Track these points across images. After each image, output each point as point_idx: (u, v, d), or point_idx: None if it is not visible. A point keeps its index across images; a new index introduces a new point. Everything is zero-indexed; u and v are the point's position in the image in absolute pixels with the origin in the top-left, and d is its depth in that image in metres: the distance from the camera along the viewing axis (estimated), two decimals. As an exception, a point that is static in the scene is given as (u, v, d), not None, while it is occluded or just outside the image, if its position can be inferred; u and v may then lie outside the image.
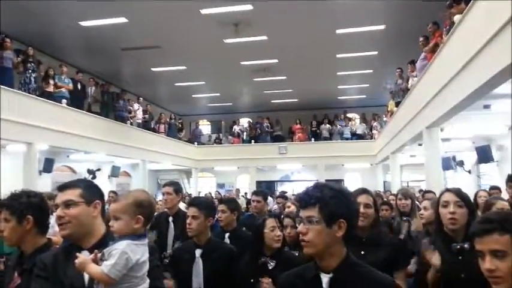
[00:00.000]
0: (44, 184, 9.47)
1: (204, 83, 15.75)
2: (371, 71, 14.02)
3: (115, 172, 14.13)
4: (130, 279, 1.59)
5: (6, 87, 8.38)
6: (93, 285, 1.59)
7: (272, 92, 16.77)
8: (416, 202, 4.27)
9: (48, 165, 11.32)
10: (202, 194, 13.88)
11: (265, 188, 15.46)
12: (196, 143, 18.65)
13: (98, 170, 13.74)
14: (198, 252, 2.64)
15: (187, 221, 2.71)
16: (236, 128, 19.15)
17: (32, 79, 9.54)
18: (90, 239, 1.73)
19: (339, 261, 1.45)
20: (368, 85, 15.97)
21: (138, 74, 14.55)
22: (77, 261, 1.56)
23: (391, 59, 12.07)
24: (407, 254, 2.82)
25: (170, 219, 3.66)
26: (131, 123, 13.65)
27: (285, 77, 14.77)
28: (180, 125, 18.24)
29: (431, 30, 8.10)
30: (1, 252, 4.35)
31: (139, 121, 14.23)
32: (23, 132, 8.50)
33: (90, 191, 1.79)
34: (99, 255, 1.59)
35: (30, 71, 9.52)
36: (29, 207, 1.98)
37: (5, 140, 8.82)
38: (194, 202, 2.84)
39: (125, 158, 13.51)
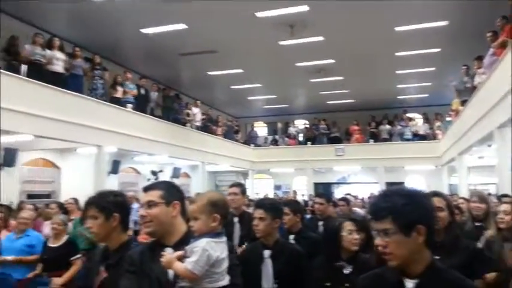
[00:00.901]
0: (111, 184, 10.01)
1: (259, 85, 15.89)
2: (433, 68, 13.45)
3: (176, 173, 14.63)
4: (211, 275, 1.66)
5: (77, 93, 8.96)
6: (178, 280, 1.66)
7: (328, 92, 16.58)
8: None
9: (115, 167, 11.98)
10: (260, 196, 13.99)
11: (321, 190, 15.30)
12: (252, 144, 18.84)
13: (161, 171, 14.32)
14: (266, 253, 2.66)
15: (254, 222, 2.75)
16: (292, 130, 19.13)
17: (99, 85, 10.10)
18: (172, 237, 1.83)
19: (424, 266, 1.39)
20: (430, 83, 15.32)
21: (196, 78, 14.97)
22: (163, 259, 1.65)
23: (455, 56, 11.51)
24: (485, 260, 2.68)
25: (236, 219, 3.73)
26: (190, 126, 14.06)
27: (341, 78, 14.54)
28: (237, 127, 18.51)
29: (500, 25, 7.64)
30: (81, 248, 4.68)
31: (198, 124, 14.62)
32: (94, 135, 9.03)
33: (170, 192, 1.89)
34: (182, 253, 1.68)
35: (97, 77, 10.11)
36: (116, 205, 2.12)
37: (77, 143, 9.44)
38: (261, 204, 2.87)
39: (185, 160, 13.94)
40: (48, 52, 8.67)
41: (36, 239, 4.63)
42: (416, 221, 1.35)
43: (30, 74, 8.26)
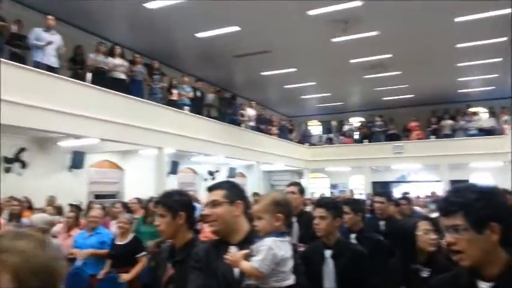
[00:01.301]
0: (171, 184, 10.35)
1: (313, 83, 15.74)
2: (500, 59, 12.62)
3: (232, 173, 14.88)
4: (277, 274, 1.67)
5: (138, 98, 9.38)
6: (244, 278, 1.69)
7: (385, 88, 16.08)
8: None
9: (174, 168, 12.40)
10: (316, 195, 13.88)
11: (379, 189, 14.87)
12: (307, 143, 18.71)
13: (217, 171, 14.62)
14: (327, 253, 2.63)
15: (315, 221, 2.73)
16: (347, 128, 18.77)
17: (158, 90, 10.52)
18: (236, 236, 1.87)
19: (501, 268, 1.29)
20: (496, 75, 14.39)
21: (249, 78, 15.13)
22: (229, 257, 1.69)
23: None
24: None
25: (294, 219, 3.72)
26: (245, 127, 14.23)
27: (399, 72, 14.05)
28: (291, 127, 18.47)
29: None
30: (145, 246, 4.88)
31: (253, 124, 14.76)
32: (154, 138, 9.41)
33: (233, 192, 1.93)
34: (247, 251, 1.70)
35: (156, 82, 10.52)
36: (182, 204, 2.20)
37: (139, 145, 9.88)
38: (321, 202, 2.84)
39: (241, 160, 14.13)
40: (110, 59, 9.15)
41: (107, 236, 4.91)
42: (489, 217, 1.27)
43: (95, 81, 8.75)
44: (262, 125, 15.57)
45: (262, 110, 16.83)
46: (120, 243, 4.58)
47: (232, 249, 1.79)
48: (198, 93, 12.03)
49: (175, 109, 10.57)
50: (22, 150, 8.81)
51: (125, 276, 4.30)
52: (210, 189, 1.97)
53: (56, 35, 7.79)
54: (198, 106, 11.87)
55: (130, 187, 11.15)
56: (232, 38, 11.01)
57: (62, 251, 3.90)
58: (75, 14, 9.64)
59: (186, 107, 10.97)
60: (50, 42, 7.56)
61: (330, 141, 19.24)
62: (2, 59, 6.89)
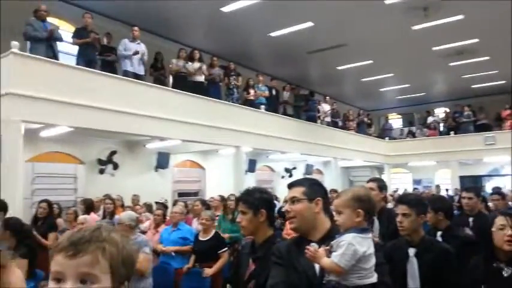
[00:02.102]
0: (249, 182, 10.57)
1: (392, 75, 15.11)
2: None
3: (308, 170, 14.82)
4: (359, 271, 1.64)
5: (216, 100, 9.72)
6: (325, 275, 1.69)
7: (472, 75, 14.94)
8: None
9: (251, 166, 12.65)
10: (399, 192, 13.33)
11: (469, 184, 13.84)
12: (387, 138, 18.00)
13: (294, 168, 14.65)
14: (411, 251, 2.53)
15: (398, 219, 2.63)
16: (431, 120, 17.72)
17: (235, 90, 10.81)
18: (317, 232, 1.86)
19: None
20: None
21: (325, 74, 14.94)
22: (309, 252, 1.70)
23: None
24: None
25: (374, 216, 3.62)
26: (321, 123, 14.07)
27: (488, 57, 12.97)
28: (369, 121, 17.91)
29: None
30: (228, 242, 5.06)
31: (329, 120, 14.56)
32: (232, 137, 9.69)
33: (313, 189, 1.93)
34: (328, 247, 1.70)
35: (232, 83, 10.81)
36: (263, 202, 2.26)
37: (218, 145, 10.24)
38: (404, 199, 2.74)
39: (317, 157, 14.01)
40: (190, 64, 9.59)
41: (188, 232, 5.18)
42: None
43: (176, 85, 9.24)
44: (339, 120, 15.30)
45: (339, 105, 16.51)
46: (202, 239, 4.80)
47: (312, 245, 1.78)
48: (274, 92, 12.15)
49: (251, 108, 10.79)
50: (114, 152, 9.57)
51: (208, 271, 4.50)
52: (290, 186, 1.99)
53: (141, 45, 8.36)
54: (273, 104, 11.99)
55: (211, 185, 11.60)
56: (305, 34, 10.96)
57: (150, 245, 4.17)
58: (156, 23, 10.25)
59: (262, 106, 11.14)
60: (136, 51, 8.13)
61: (412, 134, 18.32)
62: (95, 70, 7.58)
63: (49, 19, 7.50)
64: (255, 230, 2.27)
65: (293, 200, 1.90)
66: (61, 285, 0.87)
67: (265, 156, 13.32)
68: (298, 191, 1.91)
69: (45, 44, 6.96)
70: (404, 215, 2.58)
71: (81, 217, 4.80)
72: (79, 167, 9.23)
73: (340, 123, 15.42)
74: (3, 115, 5.84)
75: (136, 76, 8.14)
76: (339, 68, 14.05)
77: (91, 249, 0.89)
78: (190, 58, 9.74)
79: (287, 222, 6.19)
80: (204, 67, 9.84)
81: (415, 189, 15.93)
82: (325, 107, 14.61)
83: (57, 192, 8.35)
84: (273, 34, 11.05)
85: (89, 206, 6.44)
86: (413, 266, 2.49)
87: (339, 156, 14.30)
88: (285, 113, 12.51)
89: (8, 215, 4.13)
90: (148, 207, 7.74)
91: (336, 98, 17.02)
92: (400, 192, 12.80)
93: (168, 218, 6.07)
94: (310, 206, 1.88)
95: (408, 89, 17.08)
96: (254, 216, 2.25)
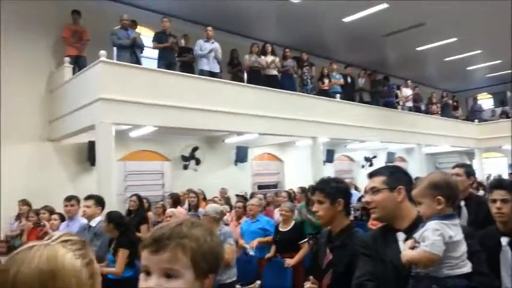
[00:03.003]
0: (328, 172, 10.47)
1: (480, 51, 13.94)
2: None
3: (390, 158, 14.28)
4: (448, 260, 1.57)
5: (291, 92, 9.74)
6: (413, 266, 1.63)
7: None
8: None
9: (329, 156, 12.51)
10: (492, 178, 12.33)
11: None
12: (476, 120, 16.68)
13: (374, 157, 14.22)
14: (504, 240, 2.36)
15: (496, 205, 2.46)
16: (528, 97, 16.09)
17: (309, 81, 10.73)
18: (403, 222, 1.80)
19: None
20: None
21: (403, 56, 14.20)
22: (402, 258, 1.64)
23: None
24: None
25: (462, 203, 3.42)
26: (402, 108, 13.46)
27: None
28: (455, 103, 16.72)
29: None
30: (307, 232, 5.11)
31: (410, 104, 13.87)
32: (309, 128, 9.65)
33: (394, 177, 1.87)
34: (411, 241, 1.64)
35: (306, 73, 10.74)
36: (340, 191, 2.26)
37: (295, 137, 10.26)
38: (503, 184, 2.54)
39: (399, 144, 13.44)
40: (263, 58, 9.71)
41: (267, 223, 5.30)
42: None
43: (250, 80, 9.42)
44: (421, 104, 14.51)
45: (421, 88, 15.62)
46: (283, 230, 4.88)
47: (400, 236, 1.74)
48: (349, 79, 11.86)
49: (326, 98, 10.65)
50: (196, 149, 10.04)
51: (290, 261, 4.57)
52: (370, 175, 1.95)
53: (215, 43, 8.65)
54: (349, 92, 11.71)
55: (290, 177, 11.68)
56: (380, 16, 10.52)
57: (233, 237, 4.34)
58: (230, 21, 10.49)
59: (337, 95, 10.93)
60: (211, 50, 8.42)
61: (505, 114, 16.78)
62: (175, 71, 8.00)
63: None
64: (331, 219, 2.27)
65: (373, 190, 1.86)
66: (149, 278, 0.95)
67: (344, 145, 13.08)
68: (378, 181, 1.87)
69: (129, 51, 7.49)
70: (503, 201, 2.40)
71: (168, 210, 5.13)
72: (165, 164, 9.83)
73: (423, 108, 14.62)
74: (96, 119, 6.42)
75: (212, 74, 8.44)
76: (419, 49, 13.28)
77: (171, 247, 0.95)
78: (263, 52, 9.85)
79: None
80: (277, 60, 9.90)
81: (510, 174, 14.61)
82: (406, 92, 13.94)
83: (147, 188, 8.98)
84: (345, 20, 10.76)
85: (176, 200, 6.86)
86: (507, 256, 2.32)
87: (423, 142, 13.56)
88: (361, 101, 12.15)
89: (105, 211, 4.53)
90: (227, 200, 8.03)
91: (417, 81, 16.10)
92: (493, 177, 11.83)
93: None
94: (391, 195, 1.82)
95: (499, 65, 15.62)
96: (331, 205, 2.25)
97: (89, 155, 7.94)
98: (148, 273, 0.96)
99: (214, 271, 1.01)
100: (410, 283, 1.62)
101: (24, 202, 6.49)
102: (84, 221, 4.57)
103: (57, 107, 7.85)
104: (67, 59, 7.65)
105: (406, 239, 1.70)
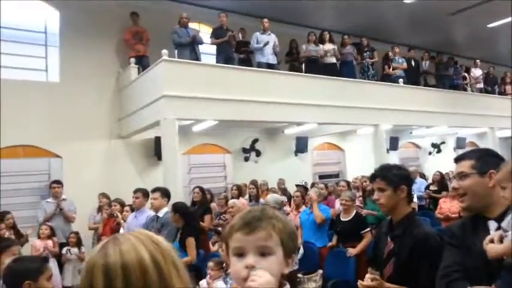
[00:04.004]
0: (392, 160, 10.13)
1: (559, 24, 12.68)
2: None
3: (460, 144, 13.49)
4: None
5: (350, 79, 9.52)
6: (504, 258, 1.51)
7: None
8: None
9: (393, 144, 12.09)
10: None
11: None
12: (559, 99, 15.22)
13: (442, 143, 13.54)
14: None
15: None
16: None
17: (370, 66, 10.42)
18: (494, 209, 1.67)
19: None
20: None
21: (472, 35, 13.28)
22: (488, 254, 1.52)
23: None
24: None
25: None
26: (471, 90, 12.65)
27: None
28: (533, 82, 15.37)
29: None
30: (370, 222, 5.03)
31: (480, 86, 12.99)
32: (370, 116, 9.39)
33: (484, 160, 1.73)
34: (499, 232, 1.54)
35: (367, 59, 10.44)
36: (402, 178, 2.21)
37: (356, 125, 10.05)
38: None
39: (469, 128, 12.67)
40: (320, 47, 9.57)
41: (324, 211, 5.28)
42: None
43: (308, 70, 9.34)
44: (492, 85, 13.53)
45: (493, 68, 14.54)
46: (344, 219, 4.85)
47: (491, 224, 1.63)
48: (412, 63, 11.35)
49: (388, 83, 10.28)
50: (256, 141, 10.17)
51: (352, 251, 4.53)
52: (457, 160, 1.83)
53: (271, 35, 8.67)
54: (413, 76, 11.21)
55: (352, 166, 11.46)
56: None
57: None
58: (285, 11, 10.42)
59: (400, 80, 10.51)
60: (267, 42, 8.46)
61: None
62: (233, 66, 8.15)
63: (190, 25, 8.32)
64: (394, 207, 2.21)
65: (460, 176, 1.74)
66: (243, 258, 1.03)
67: (409, 132, 12.57)
68: (465, 165, 1.74)
69: (189, 48, 7.74)
70: None
71: (230, 201, 5.28)
72: (226, 156, 10.09)
73: (496, 89, 13.63)
74: (160, 116, 6.74)
75: (270, 66, 8.48)
76: (490, 25, 12.35)
77: (264, 225, 1.04)
78: (321, 40, 9.71)
79: (440, 201, 5.85)
80: (335, 48, 9.71)
81: None
82: (476, 72, 13.06)
83: (210, 180, 9.28)
84: (407, 1, 10.28)
85: (240, 191, 7.08)
86: None
87: (497, 126, 12.66)
88: (426, 84, 11.59)
89: (171, 202, 4.78)
90: (283, 191, 8.09)
91: (487, 60, 15.01)
92: None
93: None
94: (481, 180, 1.69)
95: None
96: (394, 192, 2.19)
97: (155, 150, 8.34)
98: (240, 255, 1.04)
99: (294, 252, 1.11)
100: (501, 274, 1.48)
101: (104, 195, 6.95)
102: (151, 212, 4.85)
103: (125, 105, 8.33)
104: (132, 59, 8.08)
105: (498, 228, 1.58)
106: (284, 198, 6.97)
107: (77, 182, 7.76)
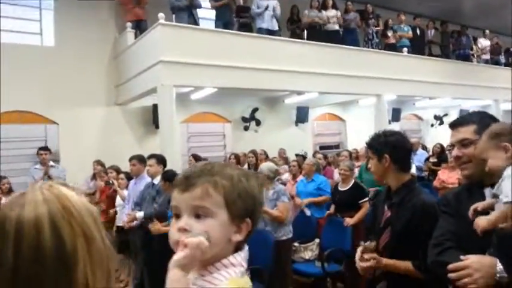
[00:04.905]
0: (394, 132, 10.02)
1: None
2: None
3: (463, 116, 13.32)
4: None
5: (353, 47, 9.26)
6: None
7: None
8: None
9: (396, 115, 11.93)
10: None
11: None
12: None
13: (445, 115, 13.37)
14: None
15: None
16: None
17: (374, 35, 10.14)
18: (493, 176, 1.53)
19: None
20: None
21: (480, 4, 12.87)
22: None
23: None
24: None
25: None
26: (477, 61, 12.36)
27: None
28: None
29: None
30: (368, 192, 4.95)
31: (487, 57, 12.70)
32: (373, 85, 9.18)
33: (485, 125, 1.59)
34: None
35: (371, 27, 10.14)
36: (386, 145, 2.11)
37: (358, 95, 9.86)
38: None
39: (473, 100, 12.46)
40: (323, 13, 9.27)
41: (323, 182, 5.20)
42: None
43: (310, 37, 9.07)
44: (499, 56, 13.22)
45: (501, 39, 14.18)
46: (342, 189, 4.77)
47: (488, 192, 1.54)
48: (418, 31, 11.04)
49: (392, 52, 10.02)
50: (255, 110, 10.02)
51: (349, 221, 4.47)
52: (454, 125, 1.68)
53: (272, 0, 8.37)
54: (418, 45, 10.93)
55: (353, 137, 11.34)
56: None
57: (287, 195, 4.31)
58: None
59: (404, 49, 10.24)
60: (266, 6, 8.18)
61: None
62: (233, 31, 7.90)
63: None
64: (383, 176, 2.14)
65: (464, 143, 1.62)
66: (179, 220, 0.90)
67: (412, 103, 12.38)
68: (468, 131, 1.62)
69: (187, 12, 7.48)
70: None
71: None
72: (226, 126, 9.97)
73: (503, 60, 13.32)
74: (157, 82, 6.57)
75: (271, 32, 8.23)
76: (500, -6, 11.95)
77: (201, 182, 0.89)
78: (324, 6, 9.40)
79: (439, 172, 5.73)
80: (339, 14, 9.41)
81: None
82: (484, 43, 12.74)
83: (209, 149, 9.20)
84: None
85: (237, 160, 7.00)
86: None
87: (502, 98, 12.44)
88: (431, 54, 11.31)
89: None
90: (286, 160, 8.01)
91: (496, 30, 14.61)
92: None
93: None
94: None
95: None
96: (378, 161, 2.12)
97: (153, 117, 8.22)
98: (177, 216, 0.91)
99: (252, 215, 0.93)
100: (492, 241, 1.42)
101: (99, 162, 6.86)
102: (149, 179, 4.78)
103: (122, 71, 8.15)
104: (129, 24, 7.84)
105: (494, 196, 1.48)
106: (285, 168, 6.92)
107: (73, 149, 7.70)
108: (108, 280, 0.74)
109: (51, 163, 6.36)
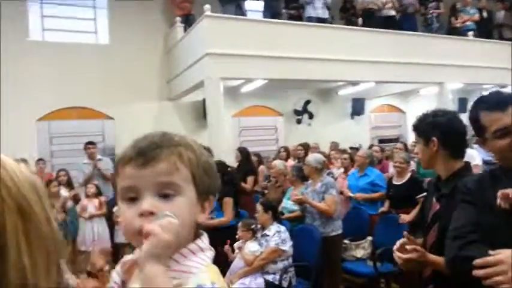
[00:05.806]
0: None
1: None
2: None
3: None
4: None
5: (411, 32, 8.65)
6: None
7: None
8: None
9: (462, 105, 11.03)
10: None
11: None
12: None
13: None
14: None
15: None
16: None
17: (434, 19, 9.43)
18: None
19: None
20: None
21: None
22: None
23: None
24: None
25: None
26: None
27: None
28: None
29: None
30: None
31: None
32: (434, 73, 8.54)
33: None
34: None
35: (431, 11, 9.44)
36: (434, 127, 1.78)
37: (417, 84, 9.22)
38: None
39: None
40: (379, -2, 8.75)
41: (377, 177, 4.80)
42: None
43: (365, 24, 8.60)
44: None
45: None
46: (397, 183, 4.39)
47: None
48: (485, 14, 10.12)
49: (455, 37, 9.25)
50: (308, 102, 9.72)
51: (405, 217, 4.09)
52: (493, 108, 1.42)
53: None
54: (486, 29, 10.02)
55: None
56: None
57: (336, 188, 4.03)
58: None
59: (470, 32, 9.42)
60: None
61: None
62: (282, 20, 7.67)
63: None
64: (431, 162, 1.82)
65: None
66: (137, 203, 0.72)
67: (480, 92, 11.40)
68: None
69: (234, 4, 7.36)
70: None
71: (273, 162, 5.00)
72: (278, 119, 9.77)
73: None
74: (204, 75, 6.51)
75: (321, 20, 7.89)
76: None
77: (165, 154, 0.73)
78: (379, -9, 8.87)
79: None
80: (395, -1, 8.85)
81: None
82: None
83: (261, 143, 9.05)
84: None
85: (288, 153, 6.82)
86: None
87: None
88: (501, 38, 10.32)
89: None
90: (342, 153, 7.65)
91: None
92: None
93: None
94: None
95: None
96: (425, 146, 1.79)
97: (204, 111, 8.20)
98: (132, 199, 0.73)
99: (213, 192, 0.81)
100: None
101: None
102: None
103: (173, 66, 8.22)
104: (178, 18, 7.88)
105: None
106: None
107: (129, 143, 7.86)
108: (57, 272, 0.56)
109: (99, 157, 6.50)
